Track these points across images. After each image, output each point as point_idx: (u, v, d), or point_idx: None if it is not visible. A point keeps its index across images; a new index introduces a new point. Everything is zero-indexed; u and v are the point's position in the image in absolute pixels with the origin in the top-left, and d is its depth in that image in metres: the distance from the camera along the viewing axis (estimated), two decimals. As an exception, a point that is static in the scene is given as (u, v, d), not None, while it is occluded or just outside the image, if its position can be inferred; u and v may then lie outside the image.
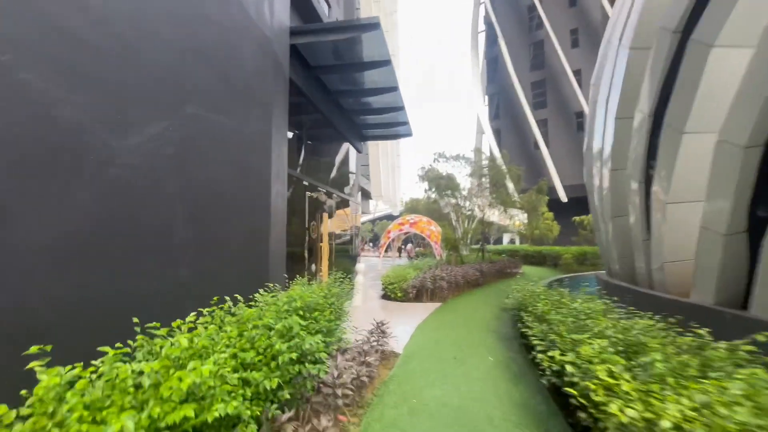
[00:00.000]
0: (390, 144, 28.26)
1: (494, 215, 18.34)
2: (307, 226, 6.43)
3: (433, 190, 13.32)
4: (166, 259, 2.86)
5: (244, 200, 3.85)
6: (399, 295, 8.81)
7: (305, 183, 6.52)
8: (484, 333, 5.84)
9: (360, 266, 8.22)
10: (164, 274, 2.84)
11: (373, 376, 3.59)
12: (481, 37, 33.99)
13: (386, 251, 28.28)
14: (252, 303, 3.38)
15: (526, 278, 14.23)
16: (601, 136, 7.17)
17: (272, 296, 3.40)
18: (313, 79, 6.82)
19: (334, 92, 7.62)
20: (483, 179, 14.53)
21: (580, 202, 25.84)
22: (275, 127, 4.55)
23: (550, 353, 2.99)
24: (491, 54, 32.26)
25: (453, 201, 14.24)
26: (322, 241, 7.21)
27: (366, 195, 29.28)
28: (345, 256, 9.58)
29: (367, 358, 3.51)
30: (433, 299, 8.88)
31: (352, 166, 10.77)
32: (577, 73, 26.07)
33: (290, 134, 6.36)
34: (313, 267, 6.97)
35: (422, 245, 36.12)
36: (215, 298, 2.93)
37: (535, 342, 3.64)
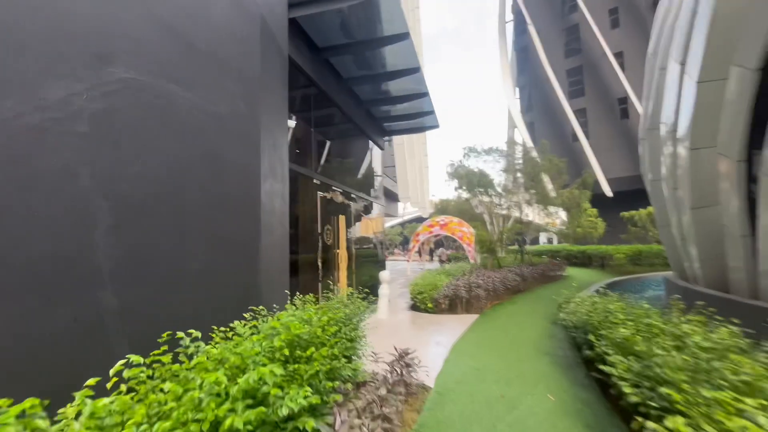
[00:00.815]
0: (417, 143, 27.25)
1: (532, 213, 16.86)
2: (320, 231, 5.59)
3: (464, 188, 12.16)
4: (77, 284, 2.03)
5: (216, 200, 3.01)
6: (429, 306, 7.77)
7: (316, 182, 5.69)
8: (537, 358, 4.70)
9: (385, 274, 7.27)
10: (75, 304, 2.01)
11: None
12: (509, 28, 32.30)
13: (417, 255, 27.21)
14: (228, 335, 2.52)
15: (574, 282, 12.70)
16: (673, 108, 5.83)
17: (252, 326, 2.54)
18: (322, 63, 6.01)
19: (347, 79, 6.78)
20: (518, 174, 13.18)
21: (626, 197, 23.57)
22: (266, 110, 3.72)
23: (669, 422, 1.88)
24: (521, 44, 30.50)
25: (486, 199, 12.99)
26: (339, 248, 6.35)
27: (393, 197, 28.36)
28: (369, 264, 8.68)
29: (384, 409, 2.55)
30: (468, 310, 7.77)
31: (376, 165, 9.89)
32: (618, 55, 23.92)
33: (296, 125, 5.56)
34: (331, 278, 6.10)
35: (454, 248, 34.68)
36: (165, 335, 2.09)
37: (627, 390, 2.51)
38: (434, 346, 5.34)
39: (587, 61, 25.74)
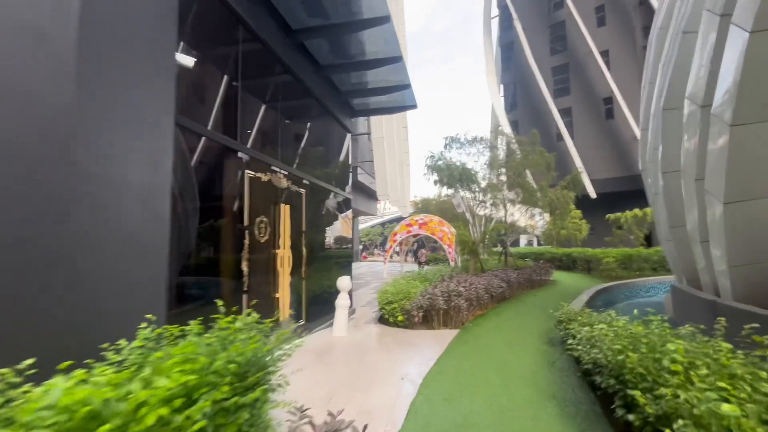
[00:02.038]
0: (397, 139, 25.94)
1: (517, 213, 15.79)
2: (246, 223, 4.11)
3: (445, 181, 10.86)
4: None
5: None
6: (400, 319, 6.40)
7: (242, 157, 4.20)
8: (540, 404, 3.37)
9: (344, 281, 5.84)
10: None
11: None
12: (494, 23, 31.46)
13: (393, 256, 25.87)
14: None
15: (563, 288, 11.61)
16: (705, 77, 4.66)
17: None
18: (260, 3, 4.54)
19: (297, 31, 5.32)
20: (501, 169, 11.97)
21: (610, 199, 22.97)
22: (112, 17, 2.25)
23: None
24: (506, 40, 29.68)
25: (469, 195, 11.73)
26: (280, 247, 4.87)
27: (372, 195, 26.96)
28: (333, 268, 7.22)
29: None
30: (446, 323, 6.44)
31: (344, 153, 8.44)
32: (604, 54, 23.32)
33: (218, 78, 4.06)
34: (265, 288, 4.62)
35: (431, 248, 33.53)
36: None
37: None
38: (398, 381, 3.94)
39: (573, 59, 25.09)
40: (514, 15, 27.49)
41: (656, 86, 7.55)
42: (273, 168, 4.86)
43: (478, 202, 11.27)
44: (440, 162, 11.48)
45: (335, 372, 4.19)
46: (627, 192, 21.73)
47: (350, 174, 8.43)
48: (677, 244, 6.61)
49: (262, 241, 4.42)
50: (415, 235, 19.09)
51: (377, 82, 7.05)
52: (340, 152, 8.26)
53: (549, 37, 26.58)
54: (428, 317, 6.47)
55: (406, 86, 6.97)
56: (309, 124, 6.70)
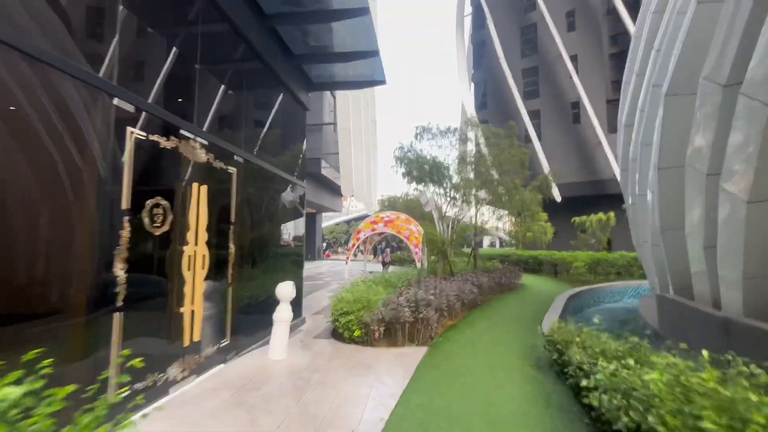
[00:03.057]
0: (365, 131, 24.72)
1: (486, 214, 15.14)
2: (128, 207, 2.75)
3: (414, 174, 9.81)
4: None
5: None
6: (357, 333, 5.23)
7: (123, 105, 2.83)
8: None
9: (284, 288, 4.57)
10: None
11: None
12: (467, 20, 31.05)
13: (357, 255, 24.66)
14: None
15: (533, 293, 10.96)
16: (734, 49, 3.87)
17: None
18: None
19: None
20: (470, 166, 11.08)
21: (575, 203, 23.12)
22: None
23: None
24: (479, 38, 29.33)
25: (440, 192, 10.77)
26: (190, 243, 3.52)
27: (336, 191, 25.59)
28: (276, 272, 5.90)
29: None
30: (413, 339, 5.35)
31: (298, 134, 7.13)
32: (573, 59, 23.42)
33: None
34: (157, 303, 3.26)
35: (399, 248, 32.62)
36: None
37: None
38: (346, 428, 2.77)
39: (543, 62, 25.09)
40: (488, 14, 27.15)
41: (647, 75, 6.92)
42: (183, 133, 3.50)
43: (449, 200, 10.32)
44: (410, 153, 10.43)
45: (255, 423, 2.94)
46: (591, 196, 21.91)
47: (304, 158, 7.12)
48: (669, 249, 5.94)
49: (156, 233, 3.06)
50: (380, 234, 18.00)
51: (339, 46, 5.82)
52: (295, 133, 6.94)
53: (520, 38, 26.48)
54: (391, 330, 5.35)
55: (373, 53, 5.79)
56: (250, 89, 5.34)
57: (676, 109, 5.03)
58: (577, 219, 19.19)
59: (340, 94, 21.21)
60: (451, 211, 10.99)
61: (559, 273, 16.14)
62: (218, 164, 4.07)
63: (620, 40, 22.62)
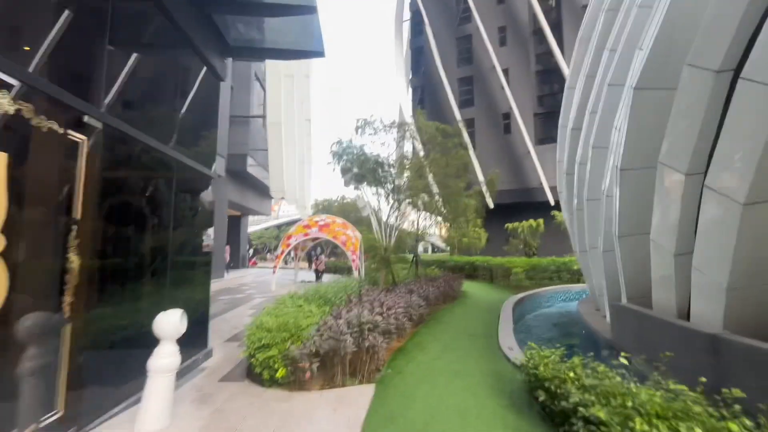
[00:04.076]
0: (298, 131, 22.92)
1: (428, 219, 14.54)
2: None
3: (355, 171, 8.66)
4: None
5: None
6: (281, 374, 3.86)
7: None
8: None
9: (168, 320, 3.04)
10: None
11: None
12: (406, 26, 31.05)
13: (289, 262, 22.63)
14: None
15: (477, 302, 10.45)
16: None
17: None
18: None
19: None
20: (408, 167, 10.25)
21: (506, 210, 23.98)
22: None
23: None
24: (416, 44, 29.41)
25: (382, 192, 9.73)
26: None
27: (265, 192, 23.34)
28: (165, 292, 4.25)
29: None
30: (355, 373, 4.15)
31: (209, 110, 5.53)
32: (505, 72, 24.45)
33: None
34: None
35: (334, 254, 31.01)
36: None
37: None
38: None
39: (478, 72, 25.86)
40: (426, 21, 27.33)
41: (599, 76, 6.69)
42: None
43: (393, 202, 9.33)
44: (351, 149, 9.25)
45: None
46: (520, 204, 22.85)
47: (216, 142, 5.55)
48: (626, 256, 5.58)
49: None
50: (313, 239, 16.44)
51: (264, -6, 4.45)
52: (203, 108, 5.34)
53: (456, 48, 27.06)
54: (327, 362, 4.08)
55: (309, 9, 4.53)
56: (132, 34, 3.73)
57: (646, 104, 4.61)
58: (510, 225, 19.70)
59: (271, 85, 19.28)
60: (392, 216, 10.03)
61: (495, 278, 16.21)
62: (46, 124, 2.47)
63: (544, 59, 24.21)
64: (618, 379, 2.76)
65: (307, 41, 5.40)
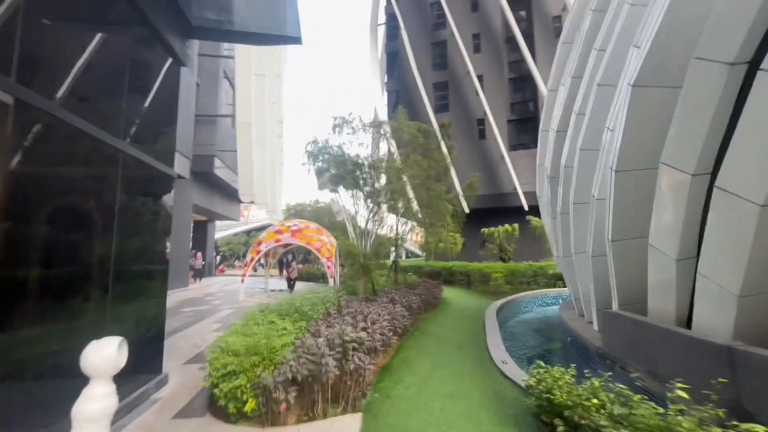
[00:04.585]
0: (269, 133, 21.98)
1: (406, 224, 14.13)
2: None
3: (332, 172, 8.09)
4: None
5: None
6: (250, 406, 3.24)
7: None
8: None
9: (97, 355, 2.35)
10: None
11: None
12: (381, 29, 30.87)
13: (258, 269, 21.51)
14: None
15: (459, 309, 10.10)
16: None
17: None
18: None
19: None
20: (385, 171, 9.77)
21: (480, 215, 24.11)
22: None
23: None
24: (391, 48, 29.25)
25: (360, 196, 9.20)
26: None
27: (233, 196, 22.17)
28: (97, 310, 3.52)
29: None
30: (338, 400, 3.59)
31: (167, 97, 4.82)
32: (479, 78, 24.69)
33: None
34: None
35: (307, 260, 29.96)
36: None
37: None
38: None
39: (453, 78, 25.99)
40: (402, 25, 27.24)
41: (587, 76, 6.55)
42: None
43: (373, 206, 8.81)
44: (326, 149, 8.67)
45: None
46: (495, 208, 22.99)
47: (174, 136, 4.85)
48: (619, 260, 5.37)
49: None
50: (285, 246, 15.60)
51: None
52: (160, 95, 4.62)
53: (432, 53, 27.12)
54: (305, 387, 3.49)
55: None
56: (71, 9, 3.04)
57: (645, 102, 4.40)
58: (486, 230, 19.69)
59: (241, 84, 18.32)
60: (371, 221, 9.50)
61: (472, 284, 16.03)
62: None
63: (517, 67, 24.70)
64: (651, 406, 2.38)
65: (281, 24, 4.83)
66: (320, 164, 8.25)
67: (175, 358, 5.26)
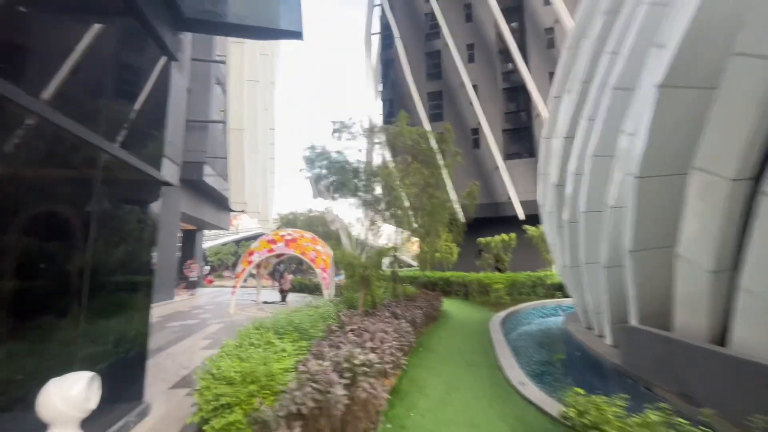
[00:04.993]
0: (261, 135, 21.53)
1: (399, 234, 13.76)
2: None
3: (331, 179, 7.70)
4: None
5: None
6: (247, 446, 2.77)
7: None
8: None
9: (55, 399, 1.89)
10: None
11: None
12: (376, 39, 30.91)
13: (247, 280, 20.78)
14: None
15: (461, 323, 9.70)
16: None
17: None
18: None
19: None
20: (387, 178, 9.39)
21: (475, 224, 23.91)
22: None
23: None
24: (386, 57, 29.26)
25: (358, 203, 8.80)
26: None
27: (223, 204, 21.57)
28: (66, 331, 3.05)
29: None
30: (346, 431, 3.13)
31: (156, 96, 4.41)
32: (473, 88, 24.74)
33: None
34: None
35: (299, 271, 29.25)
36: None
37: None
38: None
39: (447, 87, 26.01)
40: (396, 34, 27.29)
41: (598, 80, 6.33)
42: None
43: (373, 214, 8.41)
44: (324, 155, 8.28)
45: None
46: (490, 218, 22.78)
47: (164, 137, 4.42)
48: (639, 271, 5.05)
49: None
50: (278, 256, 15.04)
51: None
52: (150, 91, 4.21)
53: (426, 62, 27.18)
54: (309, 421, 3.03)
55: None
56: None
57: (673, 104, 4.14)
58: (482, 240, 19.43)
59: (233, 90, 17.93)
60: (370, 230, 9.07)
61: (470, 295, 15.67)
62: None
63: (510, 77, 24.86)
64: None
65: (281, 18, 4.47)
66: (319, 170, 7.85)
67: (159, 381, 4.73)
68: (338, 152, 7.92)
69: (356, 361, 3.36)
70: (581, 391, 3.09)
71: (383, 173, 8.21)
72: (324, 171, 7.85)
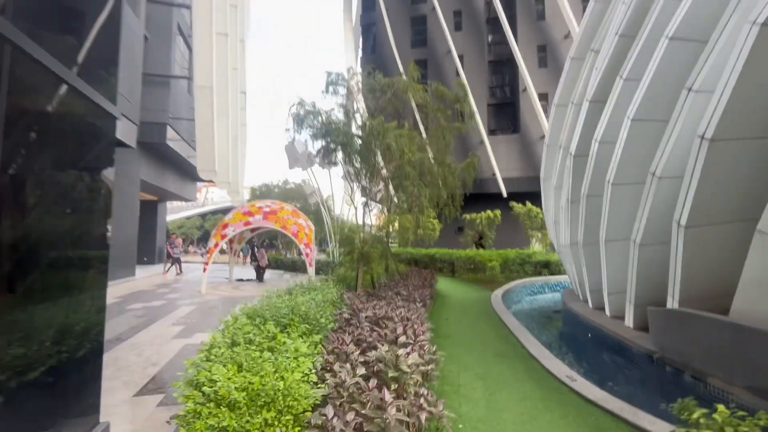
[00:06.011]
0: (232, 103, 19.49)
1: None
2: None
3: (329, 140, 6.58)
4: None
5: None
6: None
7: None
8: None
9: None
10: None
11: None
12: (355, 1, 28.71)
13: (233, 258, 19.30)
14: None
15: (459, 302, 9.10)
16: None
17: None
18: None
19: None
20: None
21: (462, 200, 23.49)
22: None
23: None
24: (367, 20, 27.29)
25: (350, 170, 7.77)
26: None
27: (188, 173, 19.65)
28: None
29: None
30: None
31: (109, 19, 3.07)
32: (459, 58, 23.64)
33: None
34: None
35: (272, 246, 27.80)
36: None
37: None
38: None
39: (432, 56, 24.73)
40: (379, -2, 25.39)
41: (650, 24, 5.55)
42: None
43: (373, 186, 7.42)
44: (314, 114, 7.09)
45: None
46: (473, 195, 22.32)
47: (117, 54, 3.16)
48: (691, 250, 4.48)
49: None
50: (254, 230, 13.72)
51: None
52: (99, 25, 2.90)
53: (411, 28, 25.61)
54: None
55: None
56: None
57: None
58: (468, 216, 18.94)
59: (200, 43, 15.77)
60: (368, 205, 8.09)
61: (456, 272, 15.28)
62: None
63: (498, 50, 23.94)
64: None
65: None
66: (313, 132, 6.69)
67: (119, 386, 3.67)
68: (340, 106, 6.77)
69: (405, 366, 2.49)
70: (693, 400, 2.40)
71: (393, 136, 7.17)
72: (317, 131, 6.70)
